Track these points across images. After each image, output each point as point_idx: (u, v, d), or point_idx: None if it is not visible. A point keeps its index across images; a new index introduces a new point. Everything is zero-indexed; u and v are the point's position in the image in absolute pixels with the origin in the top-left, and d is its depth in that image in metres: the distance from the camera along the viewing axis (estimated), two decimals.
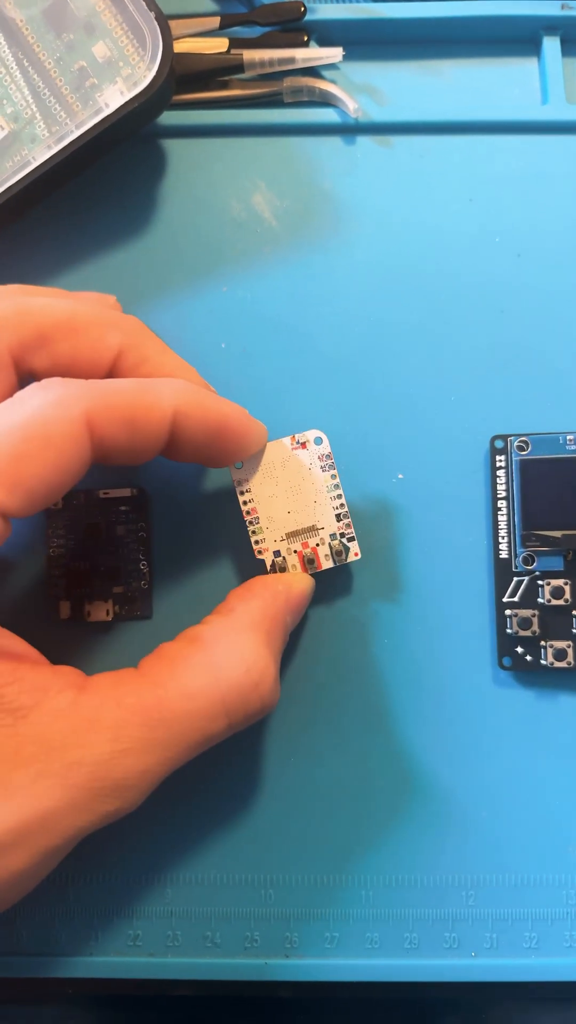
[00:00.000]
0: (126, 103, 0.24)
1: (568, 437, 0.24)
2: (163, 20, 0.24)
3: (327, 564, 0.23)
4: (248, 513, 0.23)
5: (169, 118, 0.27)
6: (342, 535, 0.23)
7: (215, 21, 0.27)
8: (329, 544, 0.23)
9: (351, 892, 0.24)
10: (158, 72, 0.23)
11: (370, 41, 0.28)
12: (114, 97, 0.24)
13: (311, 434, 0.23)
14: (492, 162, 0.27)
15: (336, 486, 0.23)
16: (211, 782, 0.25)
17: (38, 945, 0.24)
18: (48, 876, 0.23)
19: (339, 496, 0.23)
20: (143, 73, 0.24)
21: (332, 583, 0.25)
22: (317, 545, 0.23)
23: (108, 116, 0.24)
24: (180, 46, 0.26)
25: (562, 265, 0.26)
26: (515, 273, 0.26)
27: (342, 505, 0.23)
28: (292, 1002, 0.24)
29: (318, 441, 0.23)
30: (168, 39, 0.24)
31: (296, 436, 0.23)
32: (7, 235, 0.26)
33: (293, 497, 0.23)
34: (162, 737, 0.19)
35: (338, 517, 0.23)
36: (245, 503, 0.23)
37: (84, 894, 0.24)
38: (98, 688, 0.20)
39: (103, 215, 0.27)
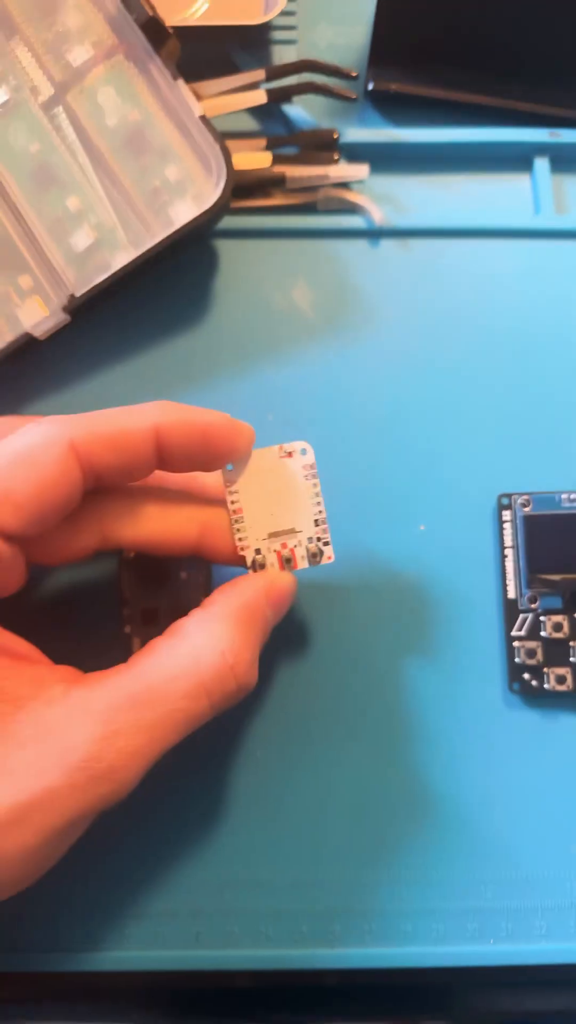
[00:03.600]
0: (195, 218, 0.28)
1: (564, 495, 0.28)
2: (225, 149, 0.28)
3: (303, 564, 0.25)
4: (234, 512, 0.25)
5: (222, 222, 0.31)
6: (319, 539, 0.25)
7: (262, 142, 0.31)
8: (306, 546, 0.25)
9: (386, 889, 0.27)
10: (223, 192, 0.28)
11: (391, 159, 0.32)
12: (183, 212, 0.28)
13: (297, 445, 0.25)
14: (494, 262, 0.31)
15: (317, 494, 0.25)
16: (261, 796, 0.27)
17: (110, 942, 0.26)
18: (118, 879, 0.26)
19: (319, 504, 0.25)
20: (209, 192, 0.28)
21: (364, 617, 0.28)
22: (295, 546, 0.25)
23: (178, 229, 0.28)
24: (233, 161, 0.31)
25: (554, 350, 0.31)
26: (516, 357, 0.30)
27: (320, 512, 0.25)
28: (337, 988, 0.27)
29: (303, 452, 0.25)
30: (230, 165, 0.28)
31: (284, 446, 0.25)
32: (86, 325, 0.30)
33: (276, 501, 0.25)
34: (149, 718, 0.20)
35: (316, 523, 0.25)
36: (232, 502, 0.25)
37: (151, 895, 0.27)
38: (89, 680, 0.21)
39: (166, 307, 0.31)
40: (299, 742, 0.28)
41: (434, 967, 0.27)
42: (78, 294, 0.28)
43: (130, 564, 0.28)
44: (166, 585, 0.28)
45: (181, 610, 0.28)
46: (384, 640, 0.29)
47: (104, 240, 0.29)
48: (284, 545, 0.25)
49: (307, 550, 0.25)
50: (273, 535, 0.25)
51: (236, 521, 0.25)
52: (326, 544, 0.25)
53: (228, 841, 0.27)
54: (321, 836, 0.27)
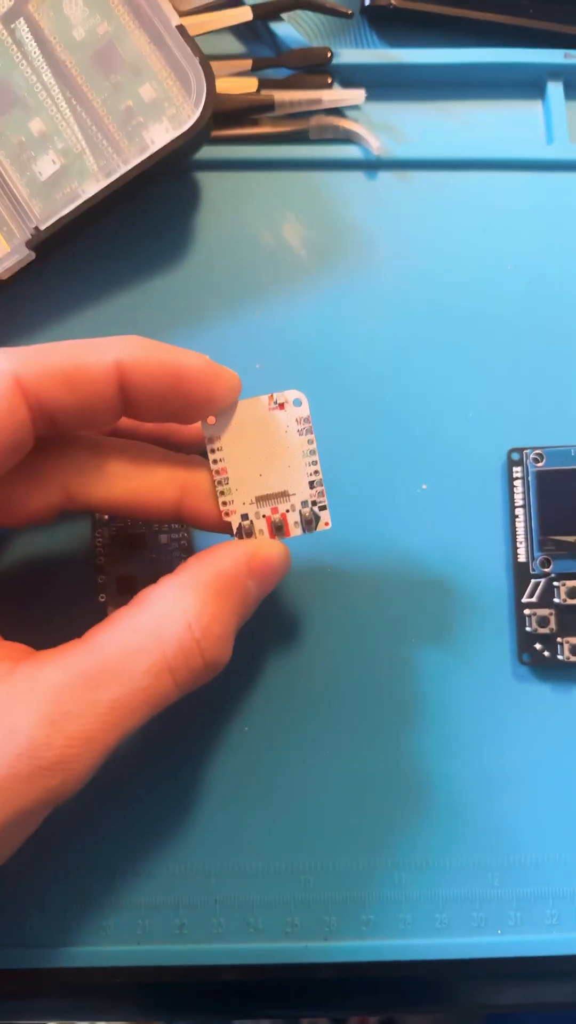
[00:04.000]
0: (171, 141, 0.25)
1: None
2: (207, 64, 0.25)
3: (296, 532, 0.22)
4: (218, 472, 0.22)
5: (204, 152, 0.28)
6: (314, 503, 0.22)
7: (247, 63, 0.29)
8: (300, 511, 0.22)
9: (384, 876, 0.26)
10: (202, 113, 0.25)
11: (390, 84, 0.30)
12: (159, 135, 0.26)
13: (290, 394, 0.22)
14: (502, 196, 0.29)
15: (312, 451, 0.22)
16: (250, 777, 0.26)
17: (88, 936, 0.25)
18: (96, 869, 0.25)
19: (314, 462, 0.22)
20: (188, 113, 0.25)
21: (363, 584, 0.27)
22: (287, 511, 0.22)
23: (153, 153, 0.25)
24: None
25: (568, 291, 0.28)
26: (527, 299, 0.28)
27: (316, 472, 0.22)
28: (331, 983, 0.26)
29: (297, 403, 0.22)
30: (211, 82, 0.25)
31: (274, 395, 0.22)
32: (53, 263, 0.27)
33: (266, 459, 0.22)
34: (106, 698, 0.18)
35: (311, 484, 0.22)
36: (215, 461, 0.22)
37: (132, 886, 0.25)
38: (39, 657, 0.19)
39: (142, 244, 0.28)
40: (290, 720, 0.26)
41: (437, 960, 0.25)
42: (43, 227, 0.26)
43: (105, 527, 0.26)
44: (145, 550, 0.26)
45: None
46: (382, 611, 0.27)
47: (71, 167, 0.26)
48: (275, 510, 0.22)
49: (301, 515, 0.22)
50: (262, 499, 0.22)
51: (220, 483, 0.22)
52: (322, 508, 0.22)
53: (213, 827, 0.26)
54: (314, 821, 0.26)
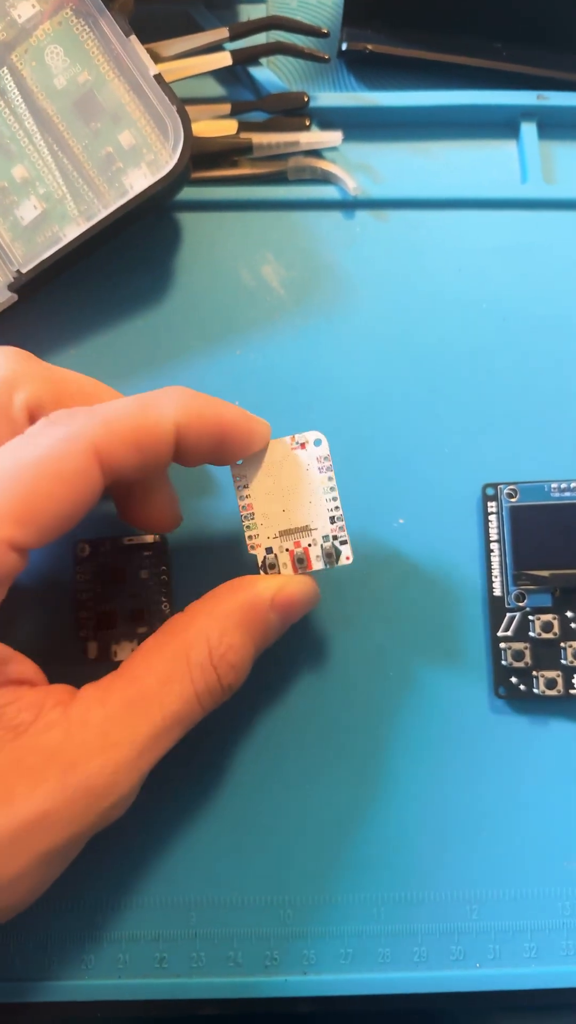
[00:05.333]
0: (150, 186, 0.26)
1: (552, 485, 0.27)
2: (183, 112, 0.26)
3: (318, 565, 0.23)
4: (244, 508, 0.24)
5: (184, 194, 0.29)
6: (335, 537, 0.23)
7: (226, 107, 0.29)
8: (321, 545, 0.23)
9: (363, 910, 0.25)
10: (179, 159, 0.26)
11: (366, 125, 0.30)
12: (138, 180, 0.26)
13: (311, 435, 0.23)
14: (478, 235, 0.30)
15: (332, 488, 0.23)
16: (230, 811, 0.26)
17: (68, 970, 0.25)
18: (77, 902, 0.25)
19: (335, 499, 0.23)
20: (165, 159, 0.26)
21: (339, 619, 0.27)
22: (309, 545, 0.23)
23: (133, 198, 0.26)
24: (194, 128, 0.29)
25: (542, 328, 0.29)
26: (501, 336, 0.29)
27: (337, 508, 0.23)
28: (311, 1017, 0.26)
29: (317, 443, 0.23)
30: (188, 129, 0.26)
31: (296, 436, 0.23)
32: (35, 303, 0.28)
33: (289, 496, 0.23)
34: (145, 726, 0.20)
35: (332, 519, 0.23)
36: (242, 498, 0.24)
37: (112, 919, 0.25)
38: (83, 696, 0.21)
39: (123, 284, 0.29)
40: (268, 753, 0.27)
41: (415, 993, 0.25)
42: (25, 270, 0.27)
43: (86, 562, 0.27)
44: (124, 586, 0.26)
45: (140, 614, 0.26)
46: (359, 645, 0.27)
47: (53, 212, 0.27)
48: (297, 544, 0.23)
49: (322, 549, 0.23)
50: (285, 533, 0.23)
51: (246, 518, 0.24)
52: (343, 543, 0.23)
53: (193, 861, 0.26)
54: (293, 854, 0.26)
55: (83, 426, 0.20)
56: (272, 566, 0.24)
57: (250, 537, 0.24)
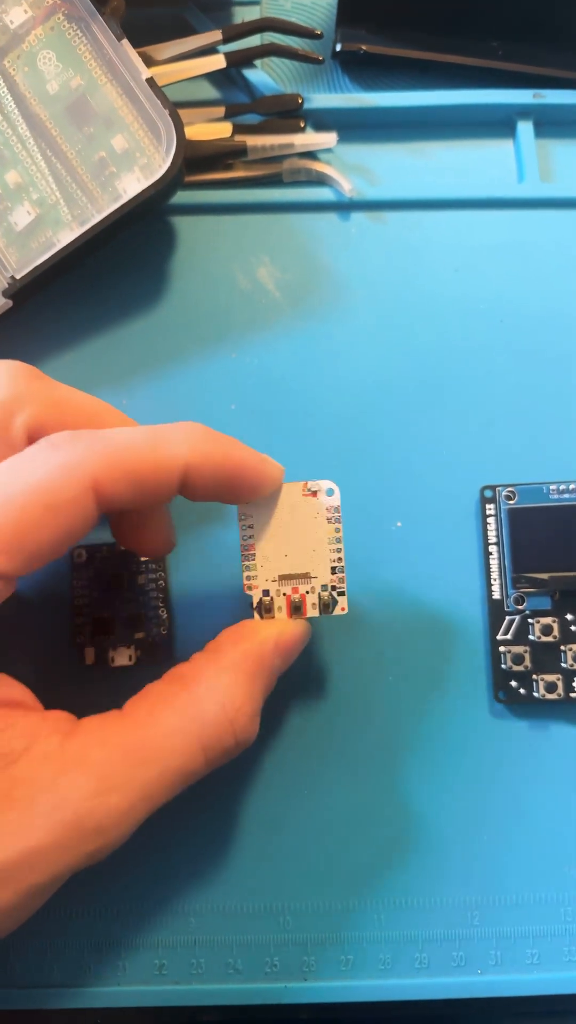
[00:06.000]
0: (143, 190, 0.26)
1: (551, 487, 0.27)
2: (176, 115, 0.26)
3: (312, 613, 0.23)
4: (246, 549, 0.23)
5: (179, 197, 0.29)
6: (333, 588, 0.23)
7: (220, 110, 0.29)
8: (319, 594, 0.23)
9: (363, 916, 0.25)
10: (172, 162, 0.26)
11: (361, 126, 0.30)
12: (132, 184, 0.26)
13: (324, 484, 0.23)
14: (474, 235, 0.29)
15: (338, 539, 0.23)
16: (229, 818, 0.26)
17: (68, 977, 0.25)
18: (77, 909, 0.25)
19: (339, 550, 0.23)
20: (159, 163, 0.26)
21: (338, 624, 0.27)
22: (307, 593, 0.23)
23: (126, 202, 0.26)
24: (188, 131, 0.29)
25: (540, 328, 0.29)
26: (499, 337, 0.28)
27: (339, 559, 0.23)
28: None
29: (330, 492, 0.23)
30: (181, 132, 0.26)
31: (308, 484, 0.23)
32: (30, 308, 0.28)
33: (293, 541, 0.23)
34: (143, 776, 0.20)
35: (333, 570, 0.23)
36: (245, 538, 0.23)
37: (112, 927, 0.25)
38: (84, 731, 0.20)
39: (119, 288, 0.29)
40: (267, 758, 0.26)
41: (416, 1000, 0.25)
42: (19, 276, 0.26)
43: (84, 568, 0.27)
44: (122, 592, 0.26)
45: (138, 620, 0.26)
46: (359, 649, 0.27)
47: (46, 217, 0.27)
48: (295, 590, 0.23)
49: (319, 598, 0.23)
50: (285, 578, 0.23)
51: (247, 558, 0.23)
52: (341, 594, 0.23)
53: (193, 867, 0.26)
54: (293, 860, 0.26)
55: (84, 456, 0.19)
56: (268, 610, 0.23)
57: (248, 578, 0.23)
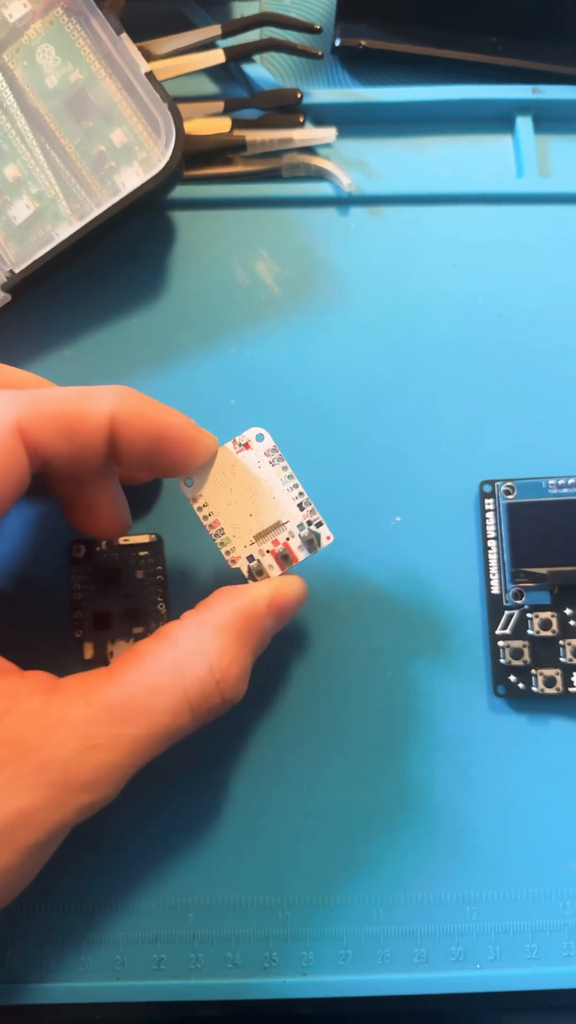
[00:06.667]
0: (142, 185, 0.26)
1: (550, 481, 0.27)
2: (175, 109, 0.26)
3: (302, 555, 0.23)
4: (211, 527, 0.23)
5: (178, 192, 0.29)
6: (309, 523, 0.23)
7: (219, 105, 0.29)
8: (299, 535, 0.23)
9: (363, 911, 0.25)
10: (171, 156, 0.25)
11: (361, 121, 0.30)
12: (131, 179, 0.26)
13: (251, 433, 0.23)
14: (473, 230, 0.29)
15: (290, 477, 0.23)
16: (228, 813, 0.26)
17: (67, 972, 0.25)
18: (75, 904, 0.25)
19: (296, 486, 0.23)
20: (158, 157, 0.26)
21: (337, 618, 0.27)
22: (287, 539, 0.23)
23: (125, 196, 0.26)
24: (188, 126, 0.29)
25: (539, 323, 0.29)
26: (498, 332, 0.28)
27: (301, 494, 0.23)
28: (310, 1019, 0.26)
29: (260, 438, 0.23)
30: (180, 126, 0.26)
31: (237, 439, 0.23)
32: (28, 302, 0.28)
33: (251, 499, 0.23)
34: (129, 732, 0.20)
35: (300, 506, 0.23)
36: (205, 517, 0.23)
37: (110, 921, 0.25)
38: (67, 689, 0.20)
39: (117, 282, 0.29)
40: (266, 753, 0.26)
41: (415, 995, 0.25)
42: (18, 270, 0.26)
43: (82, 563, 0.26)
44: (120, 586, 0.26)
45: (136, 614, 0.26)
46: (358, 644, 0.27)
47: (45, 211, 0.26)
48: (276, 542, 0.23)
49: (301, 538, 0.23)
50: (260, 535, 0.23)
51: (216, 535, 0.23)
52: (319, 525, 0.23)
53: (191, 862, 0.26)
54: (291, 855, 0.26)
55: (8, 402, 0.20)
56: (260, 572, 0.23)
57: (227, 552, 0.23)
